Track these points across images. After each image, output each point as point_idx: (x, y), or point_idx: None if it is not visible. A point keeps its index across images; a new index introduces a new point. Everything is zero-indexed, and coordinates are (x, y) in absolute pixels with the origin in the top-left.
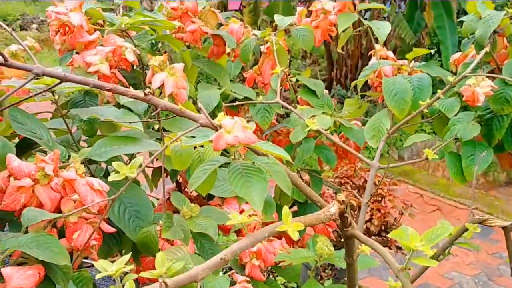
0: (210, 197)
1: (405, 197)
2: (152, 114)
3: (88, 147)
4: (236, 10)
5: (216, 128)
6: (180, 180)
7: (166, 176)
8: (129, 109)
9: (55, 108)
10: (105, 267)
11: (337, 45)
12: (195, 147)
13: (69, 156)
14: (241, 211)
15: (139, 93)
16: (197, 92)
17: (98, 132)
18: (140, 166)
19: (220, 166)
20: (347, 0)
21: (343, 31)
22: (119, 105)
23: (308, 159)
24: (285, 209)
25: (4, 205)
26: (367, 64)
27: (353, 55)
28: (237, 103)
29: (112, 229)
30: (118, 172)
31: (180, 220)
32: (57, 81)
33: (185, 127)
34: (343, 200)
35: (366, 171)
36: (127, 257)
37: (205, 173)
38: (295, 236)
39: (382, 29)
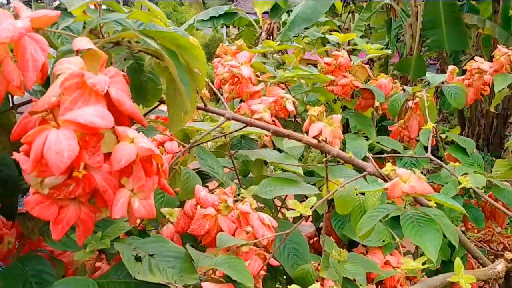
0: (351, 245)
1: None
2: (325, 159)
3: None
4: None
5: (383, 177)
6: (320, 225)
7: (306, 221)
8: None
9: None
10: None
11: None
12: (356, 194)
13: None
14: (386, 262)
15: (313, 140)
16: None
17: None
18: (312, 207)
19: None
20: (504, 61)
21: (499, 91)
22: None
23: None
24: (458, 261)
25: (192, 229)
26: (503, 124)
27: (487, 115)
28: (385, 155)
29: (277, 263)
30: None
31: (334, 262)
32: (231, 126)
33: (340, 174)
34: (511, 259)
35: (506, 237)
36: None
37: (373, 219)
38: None
39: None
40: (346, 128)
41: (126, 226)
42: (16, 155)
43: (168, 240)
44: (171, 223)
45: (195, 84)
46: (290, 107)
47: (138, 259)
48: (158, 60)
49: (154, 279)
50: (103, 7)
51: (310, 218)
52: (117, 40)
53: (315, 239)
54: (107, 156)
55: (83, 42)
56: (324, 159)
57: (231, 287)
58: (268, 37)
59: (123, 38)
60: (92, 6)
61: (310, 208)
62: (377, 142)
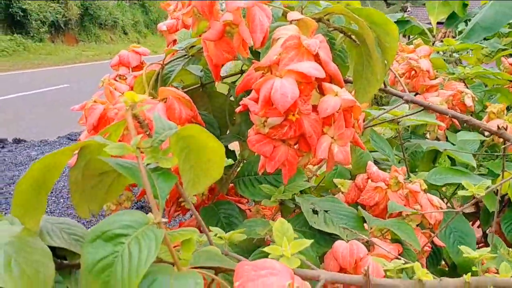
0: None
1: None
2: (503, 147)
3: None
4: None
5: None
6: (488, 230)
7: (472, 224)
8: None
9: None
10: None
11: None
12: None
13: None
14: None
15: (492, 126)
16: None
17: None
18: (487, 188)
19: None
20: None
21: None
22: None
23: None
24: None
25: (362, 199)
26: None
27: None
28: None
29: (443, 244)
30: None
31: (502, 257)
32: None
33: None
34: None
35: None
36: None
37: None
38: None
39: None
40: None
41: (304, 185)
42: (245, 100)
43: (341, 201)
44: (342, 193)
45: (385, 57)
46: (469, 102)
47: (315, 212)
48: (348, 38)
49: (328, 229)
50: None
51: (478, 223)
52: (319, 17)
53: (480, 245)
54: (313, 107)
55: (296, 14)
56: (502, 147)
57: (399, 246)
58: None
59: (327, 13)
60: None
61: (485, 189)
62: None
